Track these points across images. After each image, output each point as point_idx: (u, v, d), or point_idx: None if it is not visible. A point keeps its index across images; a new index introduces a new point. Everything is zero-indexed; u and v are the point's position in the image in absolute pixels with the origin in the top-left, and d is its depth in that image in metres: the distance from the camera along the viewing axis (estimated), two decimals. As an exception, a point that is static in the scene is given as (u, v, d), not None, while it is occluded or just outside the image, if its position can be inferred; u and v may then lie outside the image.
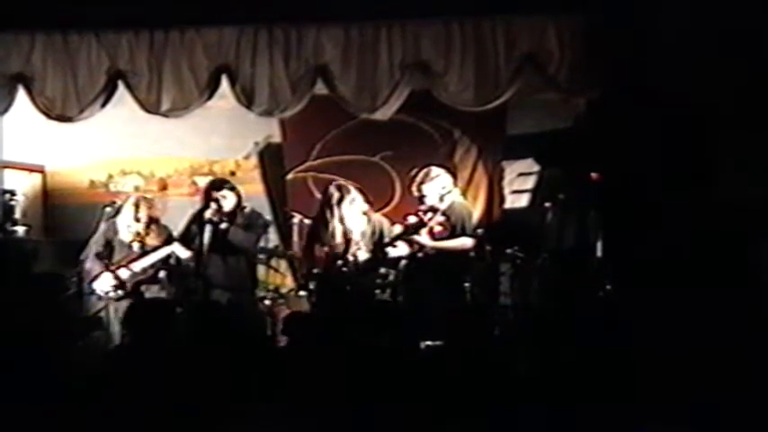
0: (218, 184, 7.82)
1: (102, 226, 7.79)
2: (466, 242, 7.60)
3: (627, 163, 7.34)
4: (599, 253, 7.18)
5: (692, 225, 6.99)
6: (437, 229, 7.54)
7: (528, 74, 7.62)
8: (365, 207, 7.76)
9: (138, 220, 7.68)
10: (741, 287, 6.69)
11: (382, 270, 7.57)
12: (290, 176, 9.30)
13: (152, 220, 7.74)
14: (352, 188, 7.78)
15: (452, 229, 7.57)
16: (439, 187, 7.62)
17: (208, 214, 7.52)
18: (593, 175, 7.35)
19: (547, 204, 7.98)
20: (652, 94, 7.22)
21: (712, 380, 5.53)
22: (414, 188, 7.71)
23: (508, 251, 7.93)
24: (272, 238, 8.73)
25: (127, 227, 7.69)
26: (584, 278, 7.33)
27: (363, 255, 7.58)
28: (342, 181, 8.07)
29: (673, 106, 7.21)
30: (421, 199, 7.66)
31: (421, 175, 7.72)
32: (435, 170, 7.72)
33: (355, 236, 7.62)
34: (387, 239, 7.63)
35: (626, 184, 7.34)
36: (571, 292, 7.38)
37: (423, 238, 7.50)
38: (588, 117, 7.84)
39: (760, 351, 5.69)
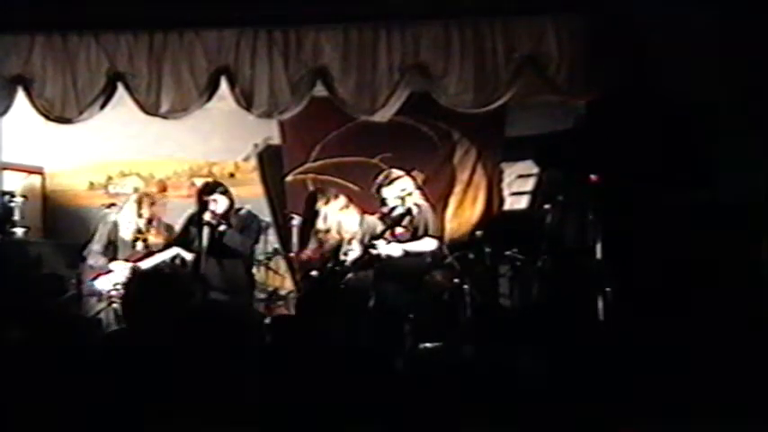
0: (210, 188, 7.80)
1: (105, 225, 7.79)
2: (429, 243, 7.62)
3: (626, 164, 7.34)
4: (599, 254, 7.18)
5: (692, 225, 6.99)
6: (399, 230, 7.57)
7: (527, 75, 7.62)
8: (350, 205, 7.78)
9: (140, 216, 7.68)
10: (741, 287, 6.70)
11: None
12: (289, 178, 9.31)
13: (153, 218, 7.74)
14: (331, 189, 7.84)
15: (414, 231, 7.59)
16: (398, 190, 7.65)
17: (206, 217, 7.52)
18: (593, 176, 7.35)
19: (546, 206, 7.98)
20: (652, 94, 7.23)
21: (713, 380, 5.53)
22: (373, 191, 7.74)
23: (507, 253, 7.95)
24: (272, 240, 8.73)
25: (128, 224, 7.69)
26: (584, 280, 7.32)
27: (355, 255, 7.63)
28: (337, 187, 8.14)
29: (673, 106, 7.22)
30: (382, 201, 7.69)
31: (381, 177, 7.79)
32: (395, 173, 7.77)
33: (346, 236, 7.66)
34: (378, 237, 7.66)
35: (625, 185, 7.33)
36: (571, 294, 7.37)
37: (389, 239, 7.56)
38: (587, 118, 7.83)
39: (760, 351, 5.70)
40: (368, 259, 7.54)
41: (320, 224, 7.71)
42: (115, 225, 7.76)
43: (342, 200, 7.75)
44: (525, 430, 5.17)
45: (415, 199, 7.72)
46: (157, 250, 7.62)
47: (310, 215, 7.75)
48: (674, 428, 5.34)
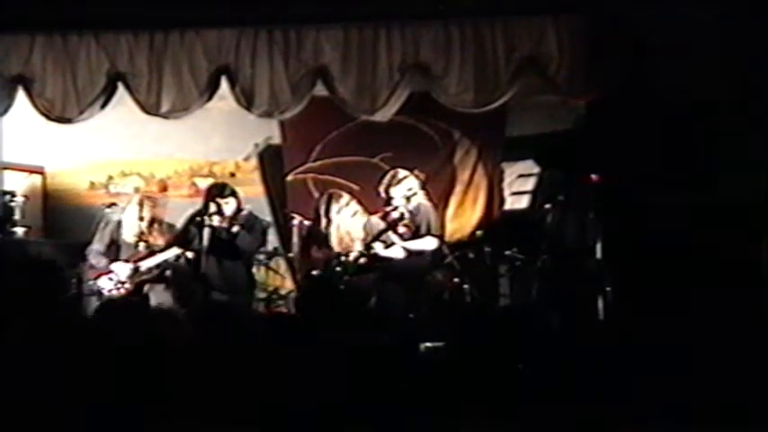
0: (220, 189, 7.77)
1: (108, 225, 7.80)
2: (431, 242, 7.63)
3: (626, 164, 7.34)
4: (599, 254, 7.19)
5: (692, 225, 6.99)
6: (402, 230, 7.60)
7: (527, 75, 7.63)
8: (360, 211, 7.82)
9: (141, 218, 7.68)
10: (741, 287, 6.70)
11: None
12: (289, 178, 9.30)
13: (155, 219, 7.74)
14: (345, 195, 7.86)
15: (416, 230, 7.62)
16: (405, 189, 7.67)
17: (214, 220, 7.51)
18: (593, 176, 7.35)
19: (546, 206, 7.99)
20: (652, 94, 7.23)
21: (713, 380, 5.52)
22: (381, 190, 7.76)
23: (507, 253, 7.95)
24: (272, 240, 8.73)
25: (130, 226, 7.70)
26: (584, 280, 7.33)
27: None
28: (337, 187, 8.15)
29: (673, 106, 7.22)
30: (388, 201, 7.71)
31: (388, 177, 7.79)
32: (402, 173, 7.78)
33: (351, 238, 7.69)
34: (375, 238, 7.68)
35: (625, 185, 7.34)
36: (571, 294, 7.38)
37: (391, 237, 7.60)
38: (587, 118, 7.84)
39: (760, 351, 5.69)
40: (369, 259, 7.56)
41: (334, 231, 7.76)
42: (117, 225, 7.76)
43: (353, 206, 7.80)
44: (525, 430, 5.18)
45: (420, 199, 7.74)
46: (159, 250, 7.63)
47: (322, 219, 7.79)
48: (674, 429, 5.34)
